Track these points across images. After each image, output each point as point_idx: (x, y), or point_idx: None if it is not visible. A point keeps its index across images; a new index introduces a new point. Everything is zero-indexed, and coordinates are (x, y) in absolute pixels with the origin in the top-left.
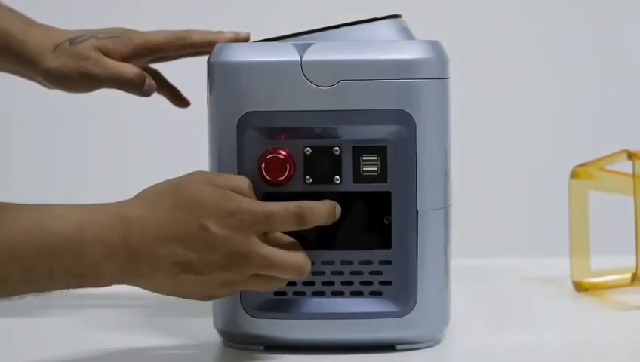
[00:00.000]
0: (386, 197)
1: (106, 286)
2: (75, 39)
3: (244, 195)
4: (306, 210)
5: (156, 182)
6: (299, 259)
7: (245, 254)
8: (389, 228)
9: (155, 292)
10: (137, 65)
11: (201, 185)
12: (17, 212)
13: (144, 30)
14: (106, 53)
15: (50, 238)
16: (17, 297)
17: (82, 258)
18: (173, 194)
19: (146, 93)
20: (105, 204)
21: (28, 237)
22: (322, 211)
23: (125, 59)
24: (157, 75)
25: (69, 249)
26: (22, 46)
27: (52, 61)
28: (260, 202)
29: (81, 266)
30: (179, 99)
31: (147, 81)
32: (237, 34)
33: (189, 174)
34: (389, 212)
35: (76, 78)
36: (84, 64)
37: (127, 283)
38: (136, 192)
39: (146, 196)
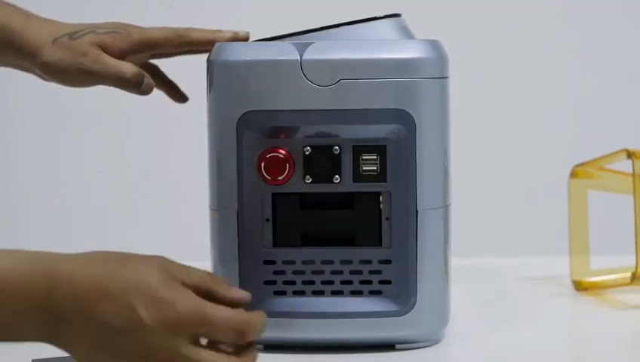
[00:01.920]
0: (385, 196)
1: (25, 341)
2: (74, 33)
3: (199, 293)
4: (249, 327)
5: (157, 184)
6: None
7: (167, 359)
8: (388, 227)
9: (74, 357)
10: (136, 60)
11: (152, 266)
12: None
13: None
14: (104, 48)
15: None
16: None
17: (2, 306)
18: (115, 261)
19: (144, 92)
20: (33, 252)
21: None
22: (260, 326)
23: (124, 54)
24: (156, 70)
25: None
26: (20, 38)
27: (50, 55)
28: (207, 304)
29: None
30: (177, 95)
31: (145, 80)
32: (236, 33)
33: (148, 256)
34: (388, 211)
35: (74, 74)
36: (83, 60)
37: (48, 342)
38: (136, 191)
39: (83, 257)
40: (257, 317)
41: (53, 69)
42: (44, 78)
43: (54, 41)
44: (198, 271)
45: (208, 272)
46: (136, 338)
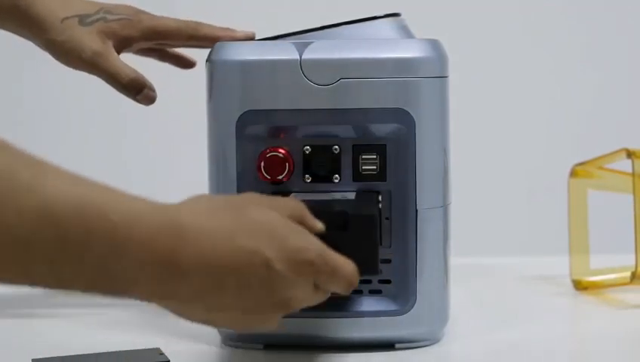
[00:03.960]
0: (385, 195)
1: (134, 298)
2: (85, 17)
3: (302, 223)
4: (356, 280)
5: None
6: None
7: (298, 303)
8: (388, 226)
9: (183, 317)
10: (143, 46)
11: (265, 209)
12: (58, 174)
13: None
14: (113, 36)
15: (91, 212)
16: (30, 284)
17: (121, 255)
18: (234, 214)
19: (141, 102)
20: (160, 205)
21: (66, 201)
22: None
23: (132, 41)
24: (162, 51)
25: (110, 236)
26: (29, 8)
27: (57, 34)
28: (328, 251)
29: (117, 263)
30: (183, 62)
31: (145, 91)
32: (247, 34)
33: (242, 194)
34: (388, 211)
35: (75, 61)
36: (87, 54)
37: (158, 303)
38: (136, 190)
39: (202, 207)
40: (355, 269)
41: (58, 49)
42: (41, 48)
43: (63, 20)
44: (287, 200)
45: (295, 200)
46: (270, 289)
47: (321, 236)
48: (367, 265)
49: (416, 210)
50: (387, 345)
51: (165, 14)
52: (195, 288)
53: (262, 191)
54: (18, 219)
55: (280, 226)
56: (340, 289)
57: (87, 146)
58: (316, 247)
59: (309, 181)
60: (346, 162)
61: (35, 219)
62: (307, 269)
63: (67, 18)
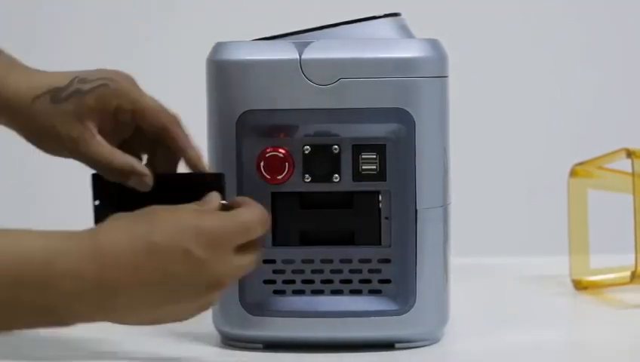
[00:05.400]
0: (385, 195)
1: (75, 324)
2: (57, 93)
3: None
4: (266, 216)
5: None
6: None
7: (228, 277)
8: (388, 226)
9: (130, 324)
10: (124, 119)
11: (172, 209)
12: None
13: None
14: (89, 114)
15: (15, 265)
16: None
17: (49, 289)
18: (146, 219)
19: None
20: (76, 232)
21: None
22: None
23: (112, 114)
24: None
25: (35, 276)
26: None
27: (29, 121)
28: (231, 214)
29: (48, 298)
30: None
31: (133, 179)
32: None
33: (152, 209)
34: (388, 210)
35: (53, 149)
36: (64, 141)
37: (101, 320)
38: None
39: (119, 223)
40: (258, 206)
41: (33, 137)
42: (21, 135)
43: (34, 99)
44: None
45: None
46: (196, 275)
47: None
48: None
49: (416, 210)
50: (387, 345)
51: (165, 14)
52: (131, 298)
53: (261, 191)
54: None
55: (191, 216)
56: (261, 233)
57: None
58: (226, 220)
59: (308, 181)
60: (346, 162)
61: None
62: (224, 242)
63: (38, 97)
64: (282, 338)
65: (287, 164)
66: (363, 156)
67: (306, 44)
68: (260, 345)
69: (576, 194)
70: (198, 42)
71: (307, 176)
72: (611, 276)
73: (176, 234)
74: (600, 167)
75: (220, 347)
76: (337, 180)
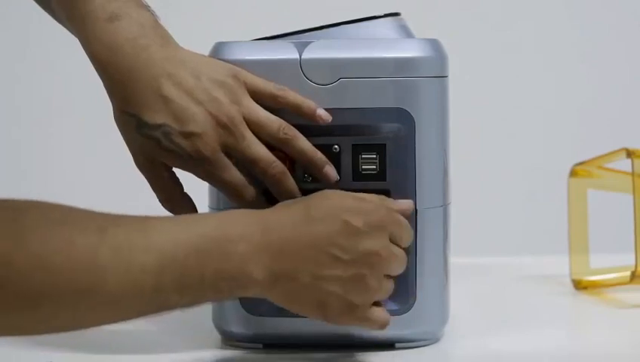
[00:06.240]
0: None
1: (255, 291)
2: (142, 126)
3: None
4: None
5: None
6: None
7: (380, 258)
8: None
9: (294, 305)
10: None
11: (329, 193)
12: (161, 222)
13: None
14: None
15: (196, 240)
16: (167, 311)
17: (229, 256)
18: (304, 202)
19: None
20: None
21: (176, 242)
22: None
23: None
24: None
25: (215, 248)
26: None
27: (117, 121)
28: (393, 208)
29: (230, 265)
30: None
31: (176, 211)
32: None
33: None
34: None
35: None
36: (137, 162)
37: (274, 287)
38: (136, 190)
39: (276, 206)
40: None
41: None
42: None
43: (122, 113)
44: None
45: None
46: (355, 244)
47: None
48: None
49: (416, 210)
50: (387, 345)
51: (165, 14)
52: (295, 261)
53: (262, 191)
54: (143, 275)
55: (348, 197)
56: (407, 238)
57: (87, 147)
58: (383, 207)
59: (309, 181)
60: (346, 161)
61: (157, 270)
62: (383, 224)
63: (125, 113)
64: (282, 338)
65: (287, 163)
66: (363, 156)
67: (306, 44)
68: (260, 345)
69: (576, 194)
70: (198, 42)
71: (307, 175)
72: (611, 276)
73: (336, 209)
74: (600, 167)
75: (220, 347)
76: (337, 180)
